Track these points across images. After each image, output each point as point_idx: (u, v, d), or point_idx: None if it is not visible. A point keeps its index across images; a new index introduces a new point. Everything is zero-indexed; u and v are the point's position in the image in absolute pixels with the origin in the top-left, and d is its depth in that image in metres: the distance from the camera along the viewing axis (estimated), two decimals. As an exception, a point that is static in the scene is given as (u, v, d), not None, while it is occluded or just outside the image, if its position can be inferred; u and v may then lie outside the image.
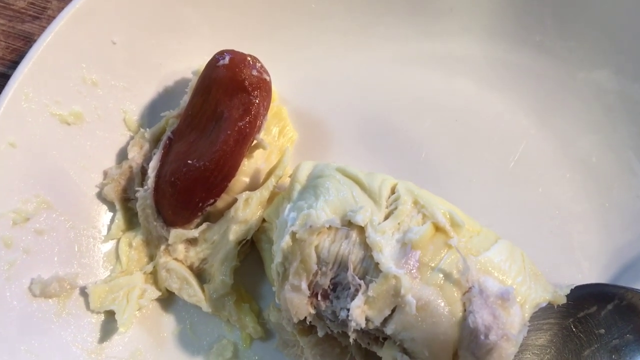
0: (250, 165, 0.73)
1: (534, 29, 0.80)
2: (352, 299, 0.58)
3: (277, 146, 0.76)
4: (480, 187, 0.77)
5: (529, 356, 0.69)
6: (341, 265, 0.60)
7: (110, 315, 0.70)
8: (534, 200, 0.76)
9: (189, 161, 0.67)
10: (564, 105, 0.79)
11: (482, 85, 0.81)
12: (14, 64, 0.87)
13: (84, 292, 0.70)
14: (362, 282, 0.58)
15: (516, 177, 0.77)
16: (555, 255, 0.74)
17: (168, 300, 0.73)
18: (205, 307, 0.70)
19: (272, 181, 0.71)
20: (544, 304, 0.60)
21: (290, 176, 0.69)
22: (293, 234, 0.60)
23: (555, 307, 0.65)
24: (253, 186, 0.73)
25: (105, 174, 0.75)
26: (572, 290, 0.64)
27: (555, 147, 0.78)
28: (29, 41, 0.88)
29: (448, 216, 0.62)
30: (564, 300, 0.62)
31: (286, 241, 0.60)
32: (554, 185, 0.77)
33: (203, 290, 0.71)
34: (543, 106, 0.79)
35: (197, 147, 0.68)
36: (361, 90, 0.81)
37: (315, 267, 0.60)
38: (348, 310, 0.58)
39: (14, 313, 0.65)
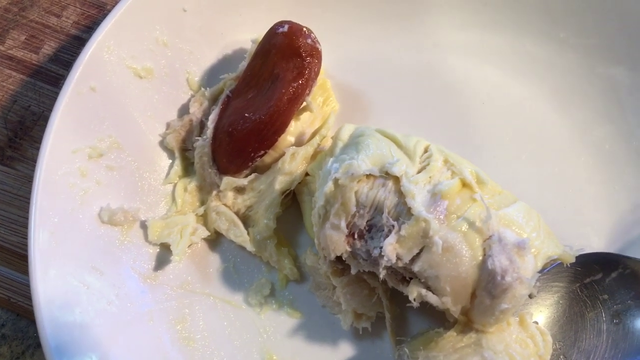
0: (297, 127, 0.80)
1: (559, 26, 0.88)
2: (385, 238, 0.65)
3: (320, 113, 0.84)
4: (501, 162, 0.84)
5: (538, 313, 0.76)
6: (377, 209, 0.66)
7: (164, 248, 0.78)
8: (550, 177, 0.83)
9: (246, 114, 0.75)
10: (582, 97, 0.87)
11: (509, 74, 0.88)
12: (88, 28, 0.96)
13: (143, 225, 0.78)
14: (395, 223, 0.66)
15: (535, 156, 0.84)
16: (567, 227, 0.79)
17: (215, 241, 0.81)
18: (250, 246, 0.77)
19: (316, 139, 0.79)
20: (555, 257, 0.67)
21: (332, 137, 0.77)
22: (336, 180, 0.66)
23: (565, 267, 0.72)
24: (297, 146, 0.81)
25: (168, 125, 0.83)
26: (580, 256, 0.70)
27: (572, 133, 0.86)
28: (102, 9, 0.98)
29: (474, 174, 0.69)
30: (572, 260, 0.68)
31: (329, 186, 0.66)
32: (570, 166, 0.84)
33: (248, 233, 0.79)
34: (563, 96, 0.87)
35: (254, 102, 0.77)
36: (399, 72, 0.89)
37: (354, 209, 0.66)
38: (381, 248, 0.65)
39: (84, 234, 0.73)
